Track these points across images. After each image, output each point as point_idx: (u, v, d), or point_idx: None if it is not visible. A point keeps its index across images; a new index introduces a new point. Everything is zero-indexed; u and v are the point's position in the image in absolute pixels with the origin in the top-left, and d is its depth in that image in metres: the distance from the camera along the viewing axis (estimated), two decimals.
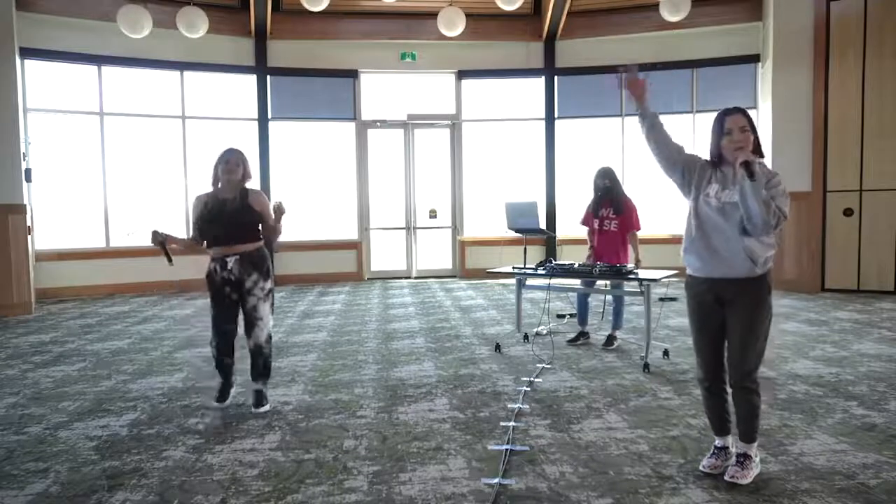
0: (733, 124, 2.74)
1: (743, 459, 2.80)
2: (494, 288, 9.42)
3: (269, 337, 3.96)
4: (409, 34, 10.47)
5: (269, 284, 3.90)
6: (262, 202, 3.89)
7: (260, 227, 3.89)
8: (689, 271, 2.92)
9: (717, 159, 2.83)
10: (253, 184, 4.00)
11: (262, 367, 3.93)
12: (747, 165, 2.60)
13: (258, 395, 3.91)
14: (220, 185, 3.84)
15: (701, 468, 2.88)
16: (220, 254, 3.79)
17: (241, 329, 3.95)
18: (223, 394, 3.93)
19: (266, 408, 3.87)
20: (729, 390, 2.86)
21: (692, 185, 2.86)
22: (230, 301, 3.84)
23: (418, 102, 10.97)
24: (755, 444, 2.83)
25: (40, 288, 8.62)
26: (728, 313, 2.80)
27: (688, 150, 2.97)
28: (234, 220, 3.77)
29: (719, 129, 2.79)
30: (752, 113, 10.40)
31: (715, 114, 2.87)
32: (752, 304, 2.75)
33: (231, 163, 3.80)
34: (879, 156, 8.01)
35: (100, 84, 9.46)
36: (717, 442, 2.92)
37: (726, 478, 2.76)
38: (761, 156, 2.80)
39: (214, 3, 9.64)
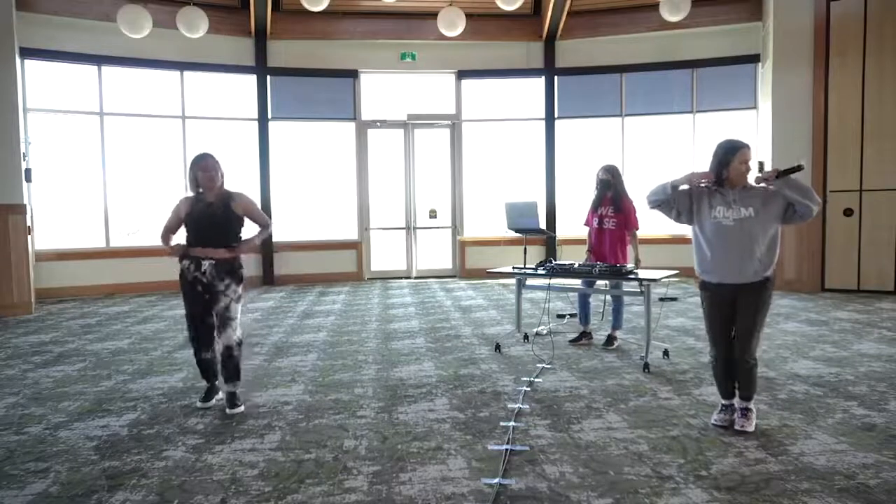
0: (746, 156, 3.32)
1: (746, 412, 3.43)
2: (494, 288, 9.42)
3: (240, 341, 3.98)
4: (409, 34, 10.48)
5: (240, 289, 3.94)
6: (246, 204, 3.96)
7: (240, 233, 3.94)
8: (705, 279, 3.47)
9: (719, 182, 3.35)
10: (241, 185, 4.03)
11: (232, 370, 3.93)
12: (781, 172, 3.22)
13: (231, 396, 3.92)
14: (201, 190, 3.87)
15: (712, 423, 3.47)
16: (198, 255, 3.82)
17: None
18: (208, 394, 3.96)
19: (240, 409, 3.86)
20: (734, 363, 3.47)
21: (692, 214, 3.44)
22: (202, 299, 3.87)
23: (418, 102, 10.97)
24: (753, 400, 3.47)
25: (40, 288, 8.62)
26: (739, 307, 3.38)
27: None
28: (216, 225, 3.82)
29: (729, 158, 3.32)
30: (751, 113, 10.34)
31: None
32: (759, 301, 3.34)
33: (209, 168, 3.83)
34: (879, 156, 8.01)
35: (100, 84, 9.47)
36: (724, 402, 3.52)
37: (736, 427, 3.38)
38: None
39: (214, 3, 9.65)
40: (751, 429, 3.36)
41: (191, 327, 3.93)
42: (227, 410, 3.85)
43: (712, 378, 3.67)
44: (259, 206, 4.21)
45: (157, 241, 4.00)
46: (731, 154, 3.33)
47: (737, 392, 3.47)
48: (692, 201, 3.43)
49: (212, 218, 3.82)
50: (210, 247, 3.81)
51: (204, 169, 3.83)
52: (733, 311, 3.39)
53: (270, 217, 9.97)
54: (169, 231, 3.95)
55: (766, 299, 3.35)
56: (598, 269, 4.99)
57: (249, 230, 4.03)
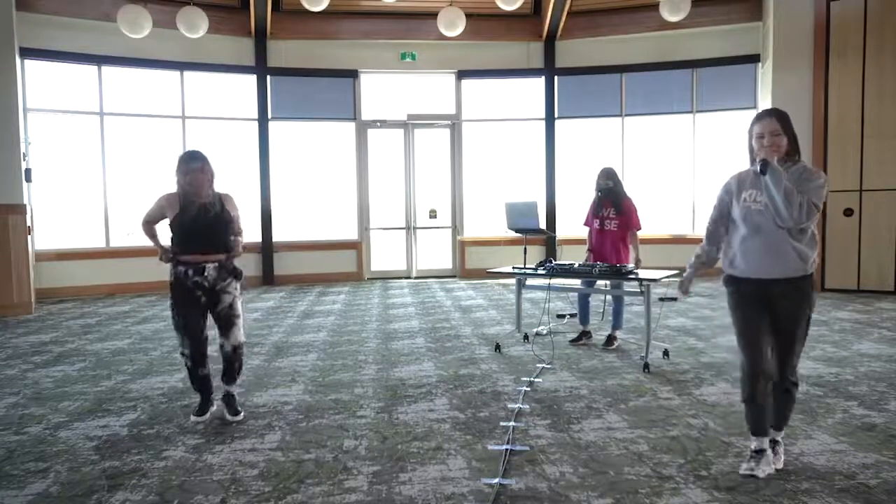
0: (764, 129, 2.79)
1: (775, 446, 2.95)
2: (494, 288, 9.42)
3: (244, 340, 3.91)
4: (409, 34, 10.48)
5: (239, 285, 3.87)
6: (236, 207, 3.87)
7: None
8: (731, 272, 2.93)
9: (753, 161, 2.87)
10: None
11: (237, 370, 3.84)
12: (764, 162, 2.70)
13: (232, 400, 3.81)
14: (189, 190, 3.67)
15: (742, 472, 2.83)
16: (198, 260, 3.69)
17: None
18: (203, 408, 3.79)
19: (241, 416, 3.75)
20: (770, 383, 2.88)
21: (735, 203, 2.92)
22: (201, 305, 3.73)
23: (418, 102, 10.98)
24: (783, 431, 3.01)
25: (40, 288, 8.62)
26: (777, 311, 2.81)
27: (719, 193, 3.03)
28: (216, 228, 3.72)
29: (750, 133, 2.86)
30: (751, 113, 10.31)
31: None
32: (799, 302, 2.79)
33: (199, 171, 3.64)
34: (879, 156, 8.01)
35: (100, 84, 9.47)
36: (755, 443, 2.91)
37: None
38: (797, 155, 2.86)
39: (214, 3, 9.65)
40: (780, 465, 2.91)
41: (185, 341, 3.73)
42: (228, 417, 3.73)
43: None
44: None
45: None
46: (750, 128, 2.86)
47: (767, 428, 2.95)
48: (729, 194, 2.96)
49: (211, 221, 3.69)
50: (210, 250, 3.70)
51: (191, 184, 3.62)
52: (762, 316, 2.82)
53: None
54: (150, 222, 3.82)
55: (808, 302, 2.80)
56: (599, 269, 4.99)
57: None
